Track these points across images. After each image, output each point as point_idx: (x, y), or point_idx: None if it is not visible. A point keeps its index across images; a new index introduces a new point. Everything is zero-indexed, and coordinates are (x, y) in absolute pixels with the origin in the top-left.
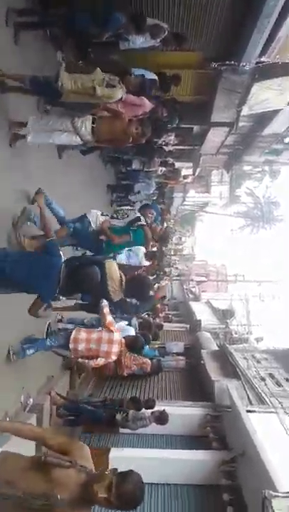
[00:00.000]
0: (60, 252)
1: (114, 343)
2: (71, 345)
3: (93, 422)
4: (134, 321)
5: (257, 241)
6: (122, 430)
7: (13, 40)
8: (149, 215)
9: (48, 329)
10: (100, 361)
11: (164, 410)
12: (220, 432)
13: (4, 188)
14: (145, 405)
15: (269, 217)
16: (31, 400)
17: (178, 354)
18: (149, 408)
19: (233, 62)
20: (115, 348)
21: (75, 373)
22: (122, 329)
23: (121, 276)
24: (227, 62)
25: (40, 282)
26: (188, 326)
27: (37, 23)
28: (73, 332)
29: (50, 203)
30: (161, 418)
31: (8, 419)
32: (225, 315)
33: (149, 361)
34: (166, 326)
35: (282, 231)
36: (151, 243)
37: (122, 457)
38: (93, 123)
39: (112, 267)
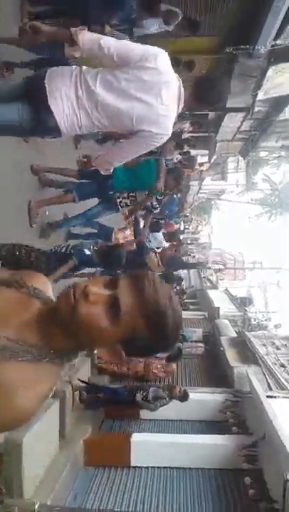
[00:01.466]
0: None
1: None
2: None
3: (114, 402)
4: None
5: (275, 228)
6: (142, 415)
7: None
8: None
9: None
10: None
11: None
12: (240, 417)
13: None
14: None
15: (287, 204)
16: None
17: (196, 341)
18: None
19: (248, 46)
20: None
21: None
22: None
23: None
24: (242, 46)
25: None
26: (206, 313)
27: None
28: None
29: None
30: (183, 395)
31: None
32: (243, 303)
33: (174, 367)
34: (184, 313)
35: None
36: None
37: (142, 441)
38: None
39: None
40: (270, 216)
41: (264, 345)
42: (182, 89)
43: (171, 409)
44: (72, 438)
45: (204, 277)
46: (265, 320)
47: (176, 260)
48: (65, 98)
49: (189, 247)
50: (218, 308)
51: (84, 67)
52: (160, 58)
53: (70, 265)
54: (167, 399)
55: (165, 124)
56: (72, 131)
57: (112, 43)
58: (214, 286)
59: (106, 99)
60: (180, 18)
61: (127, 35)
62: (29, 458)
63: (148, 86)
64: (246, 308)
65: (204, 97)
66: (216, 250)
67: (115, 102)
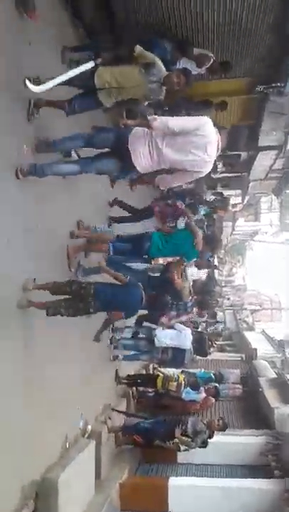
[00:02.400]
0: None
1: None
2: None
3: (150, 439)
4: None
5: None
6: (179, 459)
7: None
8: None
9: None
10: None
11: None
12: (282, 461)
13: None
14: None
15: None
16: (89, 426)
17: (234, 383)
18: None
19: (278, 84)
20: None
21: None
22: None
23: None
24: (273, 84)
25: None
26: (243, 355)
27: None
28: None
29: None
30: (223, 426)
31: (67, 444)
32: (281, 345)
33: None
34: (221, 355)
35: None
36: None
37: (181, 486)
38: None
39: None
40: None
41: None
42: (220, 142)
43: (209, 453)
44: (108, 480)
45: (240, 319)
46: None
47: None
48: (142, 156)
49: (224, 289)
50: (256, 349)
51: (153, 132)
52: (207, 126)
53: None
54: (207, 432)
55: (207, 167)
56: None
57: (175, 123)
58: (250, 328)
59: (168, 153)
60: (212, 60)
61: None
62: (65, 498)
63: (197, 145)
64: (285, 350)
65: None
66: (251, 292)
67: (175, 155)
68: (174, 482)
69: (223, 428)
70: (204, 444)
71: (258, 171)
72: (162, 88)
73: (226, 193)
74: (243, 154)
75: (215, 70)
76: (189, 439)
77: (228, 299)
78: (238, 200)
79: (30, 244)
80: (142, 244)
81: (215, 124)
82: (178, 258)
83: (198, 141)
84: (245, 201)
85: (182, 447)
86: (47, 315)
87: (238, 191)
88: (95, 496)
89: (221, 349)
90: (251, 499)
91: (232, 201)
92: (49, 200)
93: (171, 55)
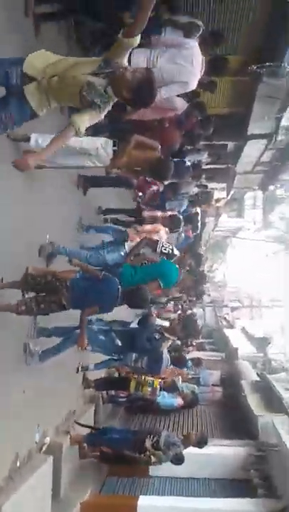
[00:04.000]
0: None
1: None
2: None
3: (120, 450)
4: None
5: None
6: (151, 472)
7: (33, 32)
8: None
9: None
10: None
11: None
12: (266, 475)
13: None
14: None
15: None
16: (48, 439)
17: (214, 385)
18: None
19: (273, 63)
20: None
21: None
22: None
23: None
24: (267, 63)
25: None
26: (223, 354)
27: (58, 12)
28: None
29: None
30: (200, 439)
31: (18, 463)
32: (261, 342)
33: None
34: (200, 354)
35: None
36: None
37: (151, 507)
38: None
39: None
40: (287, 253)
41: (287, 389)
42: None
43: (185, 466)
44: (68, 500)
45: (220, 316)
46: (287, 361)
47: None
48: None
49: (204, 285)
50: (237, 348)
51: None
52: (192, 43)
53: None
54: (182, 447)
55: (192, 80)
56: None
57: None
58: (231, 326)
59: (163, 62)
60: (202, 30)
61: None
62: None
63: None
64: (266, 348)
65: None
66: (232, 289)
67: (167, 64)
68: (144, 502)
69: (200, 443)
70: (179, 461)
71: (245, 162)
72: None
73: (211, 185)
74: (230, 145)
75: (205, 39)
76: (160, 452)
77: (209, 295)
78: (223, 194)
79: None
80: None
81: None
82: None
83: (186, 52)
84: (230, 196)
85: (153, 459)
86: (17, 314)
87: (223, 185)
88: None
89: (201, 347)
90: None
91: (216, 195)
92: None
93: (157, 12)
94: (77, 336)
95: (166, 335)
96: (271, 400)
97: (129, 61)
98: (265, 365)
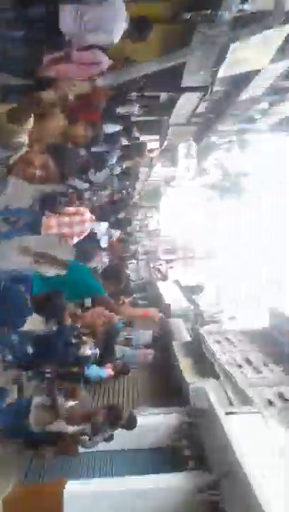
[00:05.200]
0: None
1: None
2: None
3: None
4: None
5: (226, 212)
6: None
7: None
8: None
9: None
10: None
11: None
12: (197, 446)
13: None
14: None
15: (238, 188)
16: None
17: (145, 346)
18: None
19: (209, 10)
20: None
21: None
22: None
23: None
24: (202, 11)
25: None
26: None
27: None
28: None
29: None
30: (129, 421)
31: None
32: (194, 291)
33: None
34: (133, 311)
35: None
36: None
37: (78, 492)
38: None
39: None
40: (221, 198)
41: (218, 342)
42: None
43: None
44: None
45: (153, 267)
46: (218, 312)
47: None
48: None
49: (138, 234)
50: (169, 305)
51: None
52: None
53: None
54: (108, 431)
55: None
56: None
57: None
58: (164, 277)
59: None
60: None
61: None
62: None
63: None
64: (198, 304)
65: None
66: (165, 237)
67: None
68: (70, 488)
69: (129, 425)
70: (111, 439)
71: (179, 114)
72: None
73: (143, 138)
74: (163, 95)
75: None
76: (86, 438)
77: (143, 245)
78: (156, 145)
79: None
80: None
81: None
82: None
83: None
84: (163, 146)
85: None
86: None
87: (156, 136)
88: None
89: (134, 303)
90: (159, 500)
91: (149, 146)
92: None
93: None
94: None
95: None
96: (202, 362)
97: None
98: (197, 319)
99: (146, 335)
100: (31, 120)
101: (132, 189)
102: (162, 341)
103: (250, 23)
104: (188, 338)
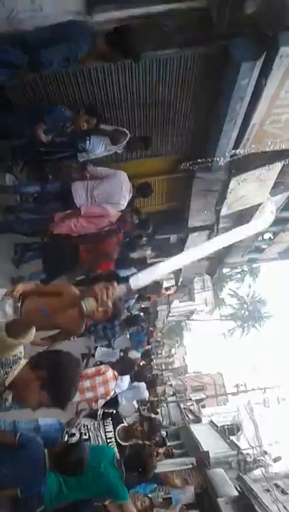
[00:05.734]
0: None
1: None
2: None
3: None
4: None
5: (250, 342)
6: None
7: None
8: None
9: None
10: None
11: None
12: None
13: None
14: None
15: (257, 316)
16: None
17: (188, 506)
18: None
19: (205, 159)
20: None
21: None
22: None
23: None
24: (199, 160)
25: None
26: (193, 460)
27: None
28: None
29: None
30: None
31: None
32: (231, 431)
33: None
34: (167, 463)
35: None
36: None
37: None
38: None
39: None
40: (243, 330)
41: (267, 490)
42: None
43: None
44: None
45: (184, 408)
46: (262, 454)
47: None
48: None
49: (164, 373)
50: (208, 452)
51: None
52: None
53: None
54: None
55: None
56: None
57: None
58: (197, 419)
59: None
60: (128, 136)
61: None
62: None
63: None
64: (239, 446)
65: None
66: (192, 374)
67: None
68: None
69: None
70: None
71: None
72: None
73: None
74: (172, 237)
75: (133, 145)
76: None
77: (171, 385)
78: (171, 282)
79: None
80: None
81: None
82: None
83: (116, 180)
84: (179, 283)
85: None
86: None
87: (171, 275)
88: None
89: (169, 454)
90: None
91: (164, 285)
92: None
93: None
94: None
95: None
96: None
97: (70, 190)
98: (240, 464)
99: (187, 493)
100: (33, 331)
101: (153, 327)
102: (205, 497)
103: (244, 163)
104: (235, 491)
